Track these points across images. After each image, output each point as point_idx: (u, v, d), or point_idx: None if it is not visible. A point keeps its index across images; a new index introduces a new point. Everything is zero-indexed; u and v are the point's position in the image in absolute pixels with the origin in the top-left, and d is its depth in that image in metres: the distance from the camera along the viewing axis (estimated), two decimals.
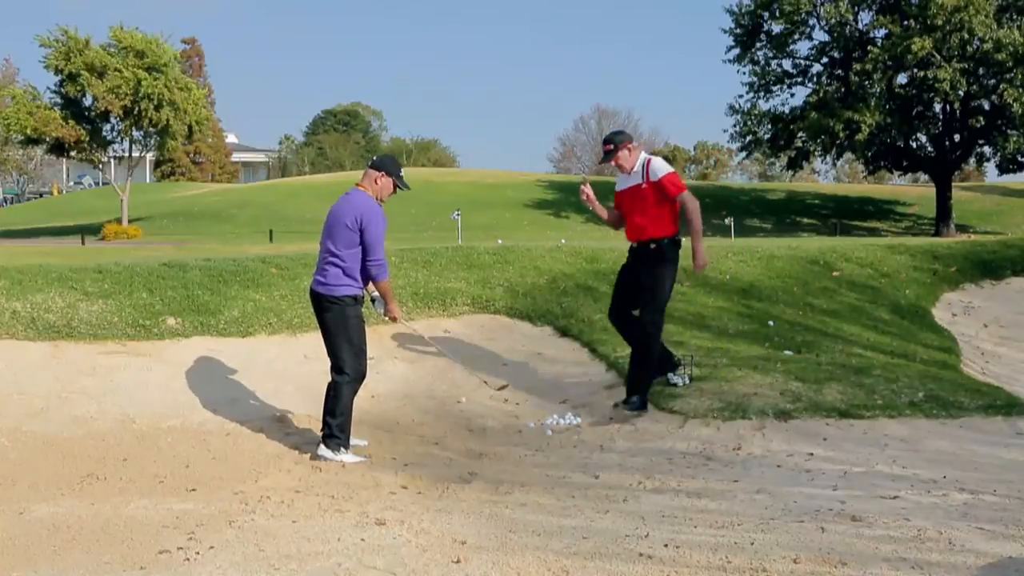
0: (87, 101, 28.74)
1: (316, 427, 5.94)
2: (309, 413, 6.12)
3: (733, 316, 8.99)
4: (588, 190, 6.28)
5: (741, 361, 7.05)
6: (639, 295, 6.15)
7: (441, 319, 8.08)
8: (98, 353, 6.61)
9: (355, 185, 5.58)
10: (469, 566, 3.53)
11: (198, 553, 3.71)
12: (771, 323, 8.89)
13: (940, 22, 29.29)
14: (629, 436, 5.80)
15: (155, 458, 5.32)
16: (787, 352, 7.81)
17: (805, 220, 37.58)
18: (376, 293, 5.69)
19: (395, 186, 5.57)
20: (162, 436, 5.69)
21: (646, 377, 6.13)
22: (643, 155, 6.15)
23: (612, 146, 6.14)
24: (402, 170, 5.65)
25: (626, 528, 3.94)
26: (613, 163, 6.19)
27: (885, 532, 3.79)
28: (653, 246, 6.08)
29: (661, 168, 6.06)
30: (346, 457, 5.36)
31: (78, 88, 27.92)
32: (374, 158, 5.73)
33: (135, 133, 30.40)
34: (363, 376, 5.55)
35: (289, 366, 6.80)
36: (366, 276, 5.48)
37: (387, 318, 5.77)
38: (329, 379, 5.50)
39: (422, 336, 6.55)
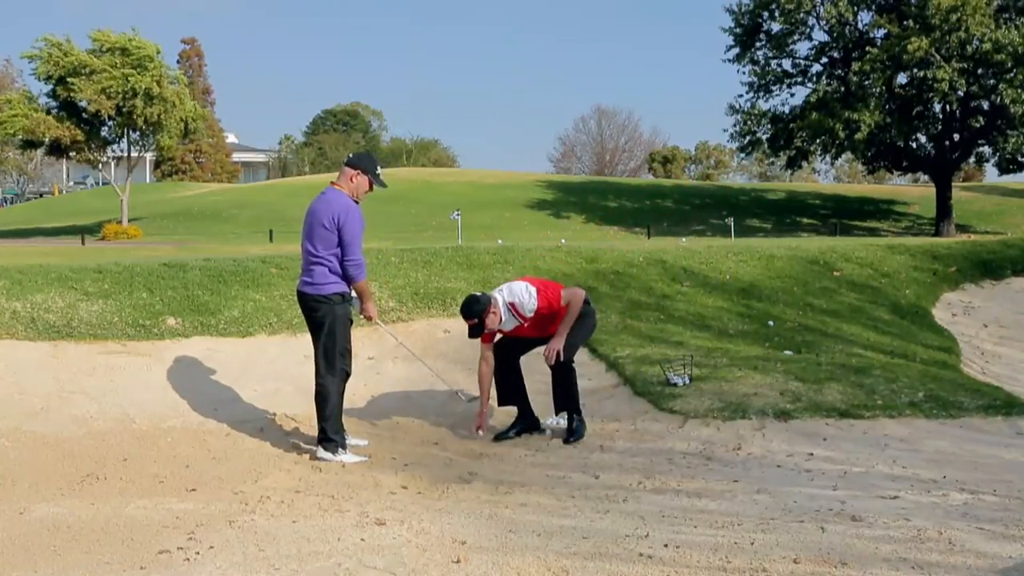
0: (83, 103, 28.77)
1: (315, 428, 5.95)
2: (309, 413, 6.12)
3: (733, 316, 8.99)
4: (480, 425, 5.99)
5: (741, 361, 7.05)
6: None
7: (441, 319, 8.08)
8: (98, 353, 6.62)
9: (330, 183, 5.54)
10: (469, 566, 3.53)
11: (198, 553, 3.72)
12: (771, 323, 8.89)
13: (937, 22, 29.30)
14: (629, 436, 5.80)
15: (155, 458, 5.32)
16: (787, 352, 7.82)
17: (805, 220, 37.56)
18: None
19: (371, 184, 5.50)
20: (162, 436, 5.69)
21: (575, 398, 5.96)
22: (501, 302, 5.80)
23: (476, 320, 5.70)
24: (379, 168, 5.56)
25: (626, 528, 3.94)
26: (488, 330, 5.79)
27: (885, 532, 3.80)
28: None
29: (530, 304, 5.74)
30: (345, 457, 5.36)
31: (69, 91, 27.95)
32: (350, 155, 5.64)
33: (133, 134, 30.42)
34: (347, 375, 5.53)
35: (289, 366, 6.80)
36: (345, 275, 5.42)
37: (363, 316, 5.71)
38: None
39: (396, 338, 6.47)
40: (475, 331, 5.78)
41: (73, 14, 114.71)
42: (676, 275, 10.13)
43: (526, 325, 5.84)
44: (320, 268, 5.37)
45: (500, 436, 5.93)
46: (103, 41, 28.81)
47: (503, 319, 5.79)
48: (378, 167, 5.56)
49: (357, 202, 5.45)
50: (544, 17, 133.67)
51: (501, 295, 5.83)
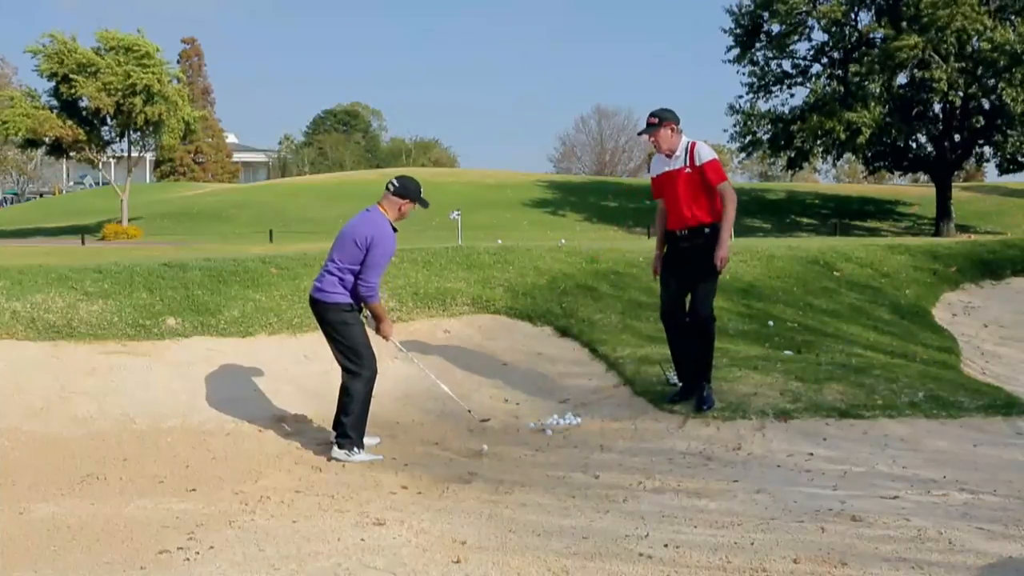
0: (83, 102, 28.76)
1: (316, 427, 5.94)
2: (309, 413, 6.13)
3: (733, 316, 8.98)
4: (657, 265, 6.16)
5: (741, 361, 7.04)
6: (693, 284, 5.95)
7: (441, 319, 8.08)
8: (98, 353, 6.61)
9: (377, 204, 5.58)
10: (469, 566, 3.53)
11: (198, 553, 3.72)
12: (771, 323, 8.88)
13: (928, 21, 29.30)
14: (629, 436, 5.81)
15: (155, 458, 5.33)
16: (787, 352, 7.81)
17: (805, 220, 37.57)
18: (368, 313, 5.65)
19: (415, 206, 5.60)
20: (162, 436, 5.69)
21: (711, 362, 6.05)
22: (685, 139, 5.97)
23: (657, 120, 5.89)
24: (421, 190, 5.63)
25: (626, 528, 3.94)
26: (651, 139, 5.98)
27: (885, 532, 3.80)
28: (707, 230, 5.90)
29: (707, 153, 5.92)
30: (360, 457, 5.36)
31: (71, 89, 27.94)
32: (395, 183, 5.58)
33: (133, 134, 30.42)
34: (375, 373, 5.57)
35: (289, 366, 6.80)
36: (356, 295, 5.48)
37: (379, 336, 5.71)
38: (330, 381, 5.49)
39: (413, 359, 6.38)
40: (649, 128, 5.96)
41: (72, 14, 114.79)
42: None
43: (689, 171, 5.89)
44: (331, 278, 5.46)
45: (672, 399, 6.10)
46: (108, 40, 28.82)
47: (676, 152, 5.96)
48: (420, 190, 5.63)
49: (396, 229, 5.50)
50: (544, 17, 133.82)
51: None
